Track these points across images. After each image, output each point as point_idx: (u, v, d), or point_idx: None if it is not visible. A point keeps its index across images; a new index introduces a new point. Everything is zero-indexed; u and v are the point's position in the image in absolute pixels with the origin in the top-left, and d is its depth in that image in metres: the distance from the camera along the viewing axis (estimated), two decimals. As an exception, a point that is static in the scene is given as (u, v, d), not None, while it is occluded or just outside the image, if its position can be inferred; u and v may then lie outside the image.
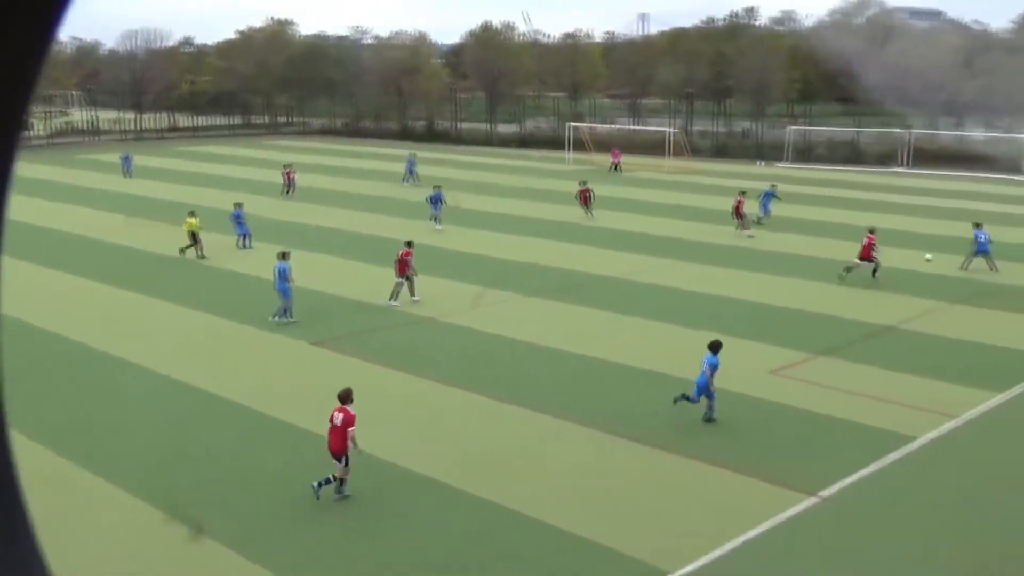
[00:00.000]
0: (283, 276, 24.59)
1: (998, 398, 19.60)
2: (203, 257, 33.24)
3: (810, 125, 72.03)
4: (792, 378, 20.83)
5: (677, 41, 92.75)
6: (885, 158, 65.31)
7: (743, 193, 38.69)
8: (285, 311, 24.80)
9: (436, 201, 39.16)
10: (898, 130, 66.37)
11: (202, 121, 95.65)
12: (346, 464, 14.66)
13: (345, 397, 14.88)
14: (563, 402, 19.20)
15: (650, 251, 34.83)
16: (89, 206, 45.52)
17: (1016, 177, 57.54)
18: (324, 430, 15.35)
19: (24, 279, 29.47)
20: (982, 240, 31.01)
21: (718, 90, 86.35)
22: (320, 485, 14.61)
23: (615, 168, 60.83)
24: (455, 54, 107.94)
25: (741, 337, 23.83)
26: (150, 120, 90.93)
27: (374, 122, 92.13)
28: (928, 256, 32.11)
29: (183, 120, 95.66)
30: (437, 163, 65.00)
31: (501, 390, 19.93)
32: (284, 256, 25.09)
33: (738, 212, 37.52)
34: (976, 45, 74.31)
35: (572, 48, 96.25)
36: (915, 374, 21.03)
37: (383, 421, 18.21)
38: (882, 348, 23.14)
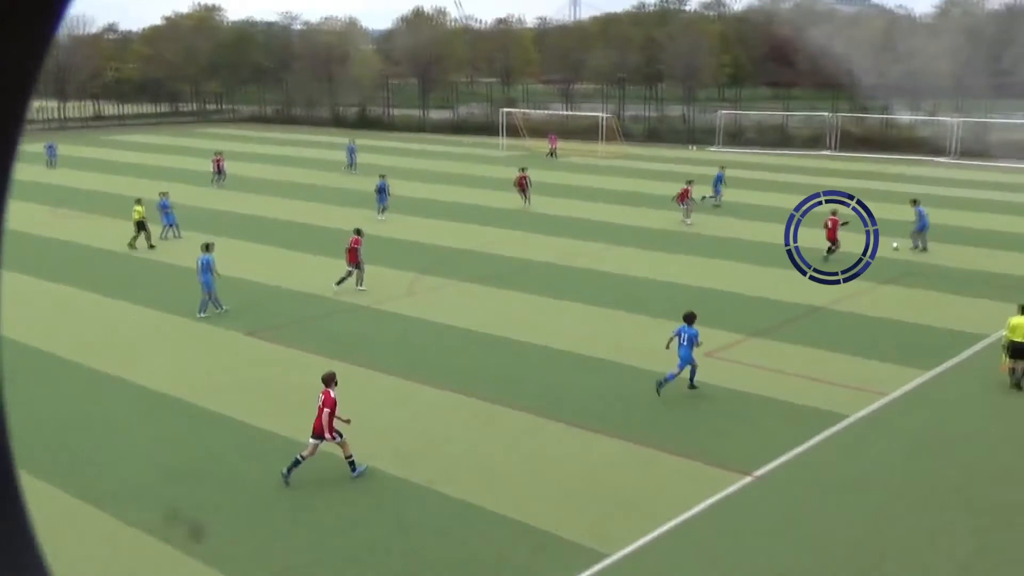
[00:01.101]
0: (207, 268, 24.11)
1: (926, 375, 20.02)
2: (152, 246, 32.74)
3: (740, 109, 72.78)
4: (727, 360, 21.05)
5: (608, 26, 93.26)
6: (813, 141, 66.33)
7: (690, 182, 37.78)
8: (208, 303, 24.27)
9: (382, 191, 38.47)
10: (825, 114, 67.43)
11: (128, 109, 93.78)
12: (342, 441, 14.90)
13: (328, 380, 15.01)
14: (497, 387, 19.19)
15: (586, 236, 34.95)
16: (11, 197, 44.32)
17: (940, 159, 58.81)
18: (258, 420, 15.14)
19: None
20: (924, 216, 31.73)
21: (649, 75, 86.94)
22: (289, 471, 14.69)
23: (552, 154, 60.93)
24: (386, 40, 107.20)
25: (676, 320, 23.99)
26: (74, 108, 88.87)
27: (305, 109, 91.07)
28: (895, 244, 31.48)
29: (109, 108, 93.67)
30: (371, 150, 64.52)
31: (435, 376, 19.85)
32: (208, 248, 24.56)
33: (683, 198, 36.78)
34: (900, 29, 75.78)
35: (504, 34, 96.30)
36: (846, 353, 21.39)
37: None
38: (814, 328, 23.50)
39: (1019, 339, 18.80)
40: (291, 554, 12.84)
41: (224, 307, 24.39)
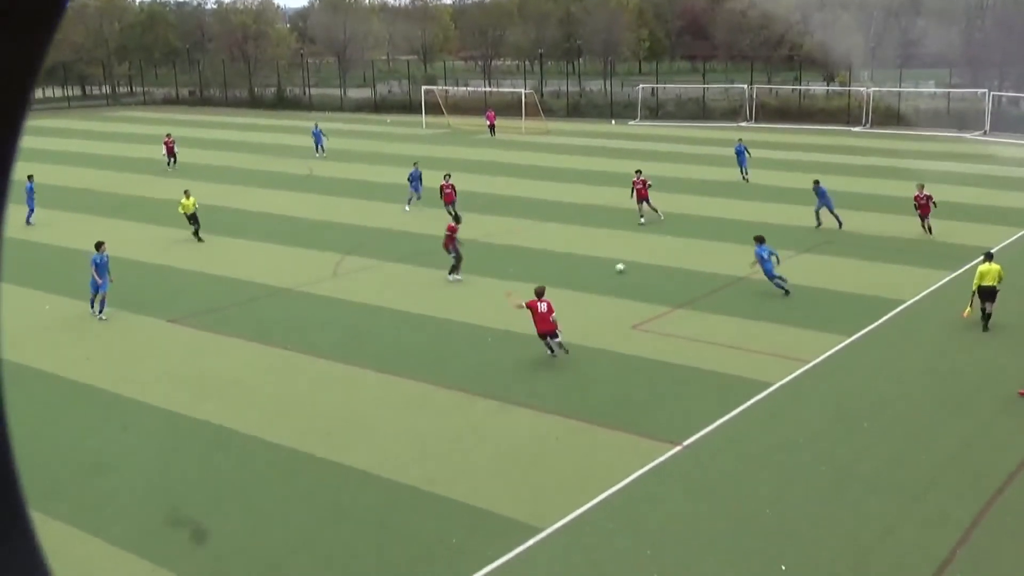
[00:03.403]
0: (101, 269, 22.63)
1: (846, 341, 20.48)
2: (200, 240, 30.76)
3: (659, 83, 73.39)
4: (652, 332, 21.30)
5: (526, 2, 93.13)
6: (731, 114, 67.17)
7: (639, 171, 33.49)
8: (97, 302, 22.92)
9: (416, 179, 35.87)
10: (743, 86, 68.31)
11: (36, 94, 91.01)
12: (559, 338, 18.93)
13: (542, 291, 19.11)
14: (425, 366, 19.16)
15: (509, 212, 34.96)
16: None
17: (854, 129, 60.04)
18: (193, 410, 14.86)
19: None
20: (825, 194, 31.37)
21: (568, 50, 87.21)
22: (555, 351, 19.00)
23: (492, 131, 59.96)
24: (302, 18, 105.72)
25: (603, 294, 24.23)
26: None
27: (221, 90, 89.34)
28: (620, 266, 26.38)
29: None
30: (290, 131, 63.70)
31: (363, 357, 19.75)
32: (99, 247, 22.89)
33: (643, 195, 32.62)
34: (813, 1, 76.97)
35: (422, 11, 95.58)
36: (769, 322, 21.78)
37: (243, 395, 17.84)
38: (737, 298, 23.87)
39: (988, 283, 20.40)
40: (222, 543, 12.70)
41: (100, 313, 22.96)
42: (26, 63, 1.22)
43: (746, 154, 40.59)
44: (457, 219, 30.56)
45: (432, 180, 34.99)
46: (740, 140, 41.94)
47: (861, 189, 38.38)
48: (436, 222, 33.15)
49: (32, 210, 33.96)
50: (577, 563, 12.15)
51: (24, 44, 1.20)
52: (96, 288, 22.72)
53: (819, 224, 31.31)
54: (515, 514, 13.21)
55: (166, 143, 48.10)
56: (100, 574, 12.13)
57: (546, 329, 18.85)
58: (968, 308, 20.83)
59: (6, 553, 1.28)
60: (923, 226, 29.75)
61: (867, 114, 61.11)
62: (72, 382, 18.71)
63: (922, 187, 29.74)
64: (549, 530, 12.76)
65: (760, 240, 24.04)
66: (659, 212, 32.65)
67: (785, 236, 30.11)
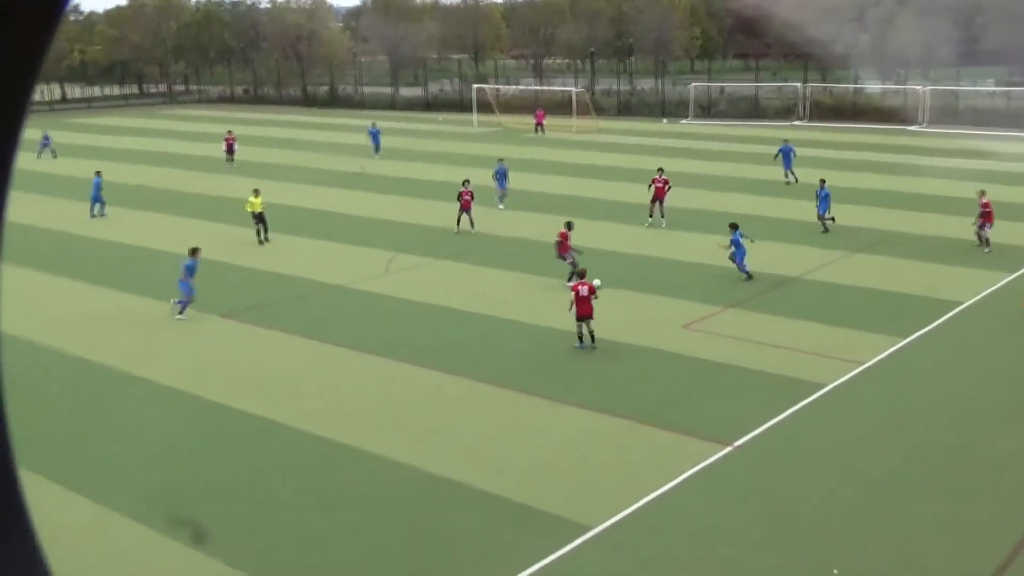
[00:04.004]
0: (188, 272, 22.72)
1: (902, 343, 20.20)
2: (266, 240, 30.38)
3: (711, 81, 72.83)
4: (703, 331, 21.16)
5: (577, 0, 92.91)
6: (784, 112, 66.48)
7: (661, 170, 32.97)
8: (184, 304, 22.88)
9: (502, 176, 35.84)
10: (797, 84, 67.58)
11: (95, 92, 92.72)
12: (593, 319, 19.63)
13: (583, 273, 20.26)
14: (476, 364, 19.21)
15: (560, 211, 34.87)
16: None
17: (910, 128, 59.15)
18: (244, 403, 15.07)
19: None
20: (821, 196, 30.44)
21: (620, 49, 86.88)
22: (582, 341, 19.72)
23: (539, 129, 59.94)
24: (354, 17, 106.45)
25: (653, 293, 24.14)
26: (39, 92, 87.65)
27: (275, 89, 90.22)
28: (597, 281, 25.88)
29: (75, 91, 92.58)
30: (342, 129, 64.22)
31: (410, 354, 19.83)
32: (194, 252, 23.00)
33: (660, 194, 32.21)
34: (868, -1, 75.93)
35: (473, 9, 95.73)
36: (822, 323, 21.55)
37: (291, 389, 18.02)
38: (789, 298, 23.65)
39: None
40: (268, 533, 12.84)
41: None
42: (26, 63, 1.22)
43: (792, 155, 39.60)
44: (470, 222, 31.24)
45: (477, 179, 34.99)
46: (786, 141, 40.91)
47: (917, 189, 37.81)
48: (491, 221, 33.23)
49: (96, 202, 35.04)
50: (625, 562, 12.12)
51: (24, 44, 1.20)
52: (188, 290, 22.66)
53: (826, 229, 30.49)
54: (564, 512, 13.21)
55: (227, 140, 48.71)
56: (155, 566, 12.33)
57: (585, 312, 19.59)
58: None
59: (6, 553, 1.28)
60: (979, 235, 27.88)
61: (923, 113, 60.16)
62: (123, 374, 19.00)
63: (983, 194, 28.07)
64: (598, 529, 12.74)
65: (735, 227, 25.32)
66: (663, 218, 31.85)
67: (837, 236, 29.78)
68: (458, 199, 31.85)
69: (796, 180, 38.90)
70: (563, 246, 24.93)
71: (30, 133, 63.30)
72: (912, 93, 63.14)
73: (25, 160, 51.32)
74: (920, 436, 15.74)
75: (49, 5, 1.21)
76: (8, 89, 1.21)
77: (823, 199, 30.38)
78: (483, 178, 39.56)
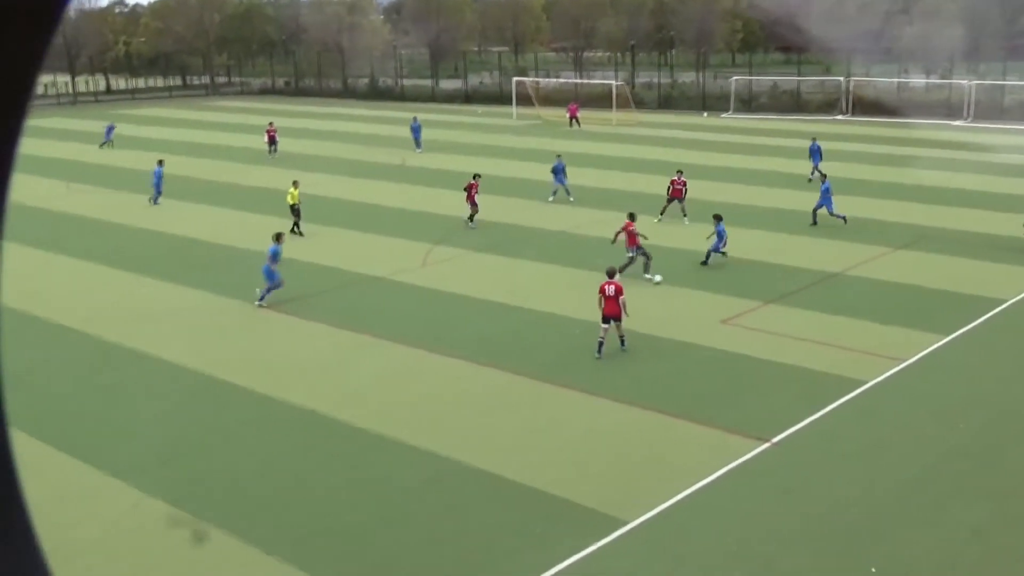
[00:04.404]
0: (273, 258, 22.96)
1: (943, 340, 19.98)
2: (298, 233, 29.94)
3: (753, 75, 72.24)
4: (743, 326, 21.05)
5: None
6: (827, 106, 65.83)
7: (680, 172, 32.47)
8: (268, 291, 23.09)
9: (560, 171, 35.32)
10: (839, 78, 66.87)
11: (139, 83, 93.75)
12: (621, 322, 18.71)
13: (612, 273, 19.16)
14: (510, 355, 19.23)
15: (598, 204, 34.83)
16: (26, 172, 44.47)
17: (954, 122, 58.36)
18: (286, 394, 15.20)
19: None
20: (824, 191, 30.16)
21: (661, 41, 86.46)
22: (622, 343, 19.02)
23: (573, 123, 60.04)
24: (395, 10, 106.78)
25: (692, 288, 24.04)
26: (85, 83, 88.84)
27: (316, 81, 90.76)
28: (657, 278, 24.64)
29: (119, 83, 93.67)
30: (382, 121, 64.47)
31: (447, 345, 19.90)
32: (278, 238, 23.30)
33: (678, 194, 31.80)
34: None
35: (514, 2, 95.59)
36: (862, 319, 21.36)
37: (328, 379, 18.15)
38: (829, 294, 23.46)
39: None
40: (305, 519, 12.95)
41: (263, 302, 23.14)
42: (26, 63, 1.22)
43: (820, 153, 38.50)
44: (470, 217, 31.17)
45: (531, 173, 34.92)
46: (815, 138, 39.75)
47: (961, 184, 37.33)
48: (528, 213, 33.22)
49: (159, 193, 35.97)
50: (660, 557, 12.10)
51: (24, 44, 1.20)
52: (272, 277, 22.83)
53: (815, 222, 30.30)
54: (599, 506, 13.21)
55: (269, 132, 49.05)
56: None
57: (610, 312, 18.70)
58: None
59: (6, 553, 1.28)
60: None
61: (968, 108, 59.32)
62: (169, 363, 19.23)
63: None
64: (633, 523, 12.72)
65: (719, 218, 25.86)
66: (686, 216, 31.43)
67: (879, 232, 29.48)
68: (467, 192, 31.47)
69: (823, 176, 38.14)
70: (632, 238, 24.63)
71: (83, 124, 64.23)
72: (957, 87, 62.29)
73: (79, 151, 52.07)
74: (960, 436, 15.57)
75: (49, 5, 1.21)
76: (8, 88, 1.21)
77: (824, 193, 30.09)
78: (526, 171, 39.62)
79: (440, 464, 14.59)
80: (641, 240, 24.69)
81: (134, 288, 25.10)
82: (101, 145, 52.51)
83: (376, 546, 12.42)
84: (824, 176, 30.48)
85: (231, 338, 21.05)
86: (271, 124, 50.26)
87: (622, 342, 19.09)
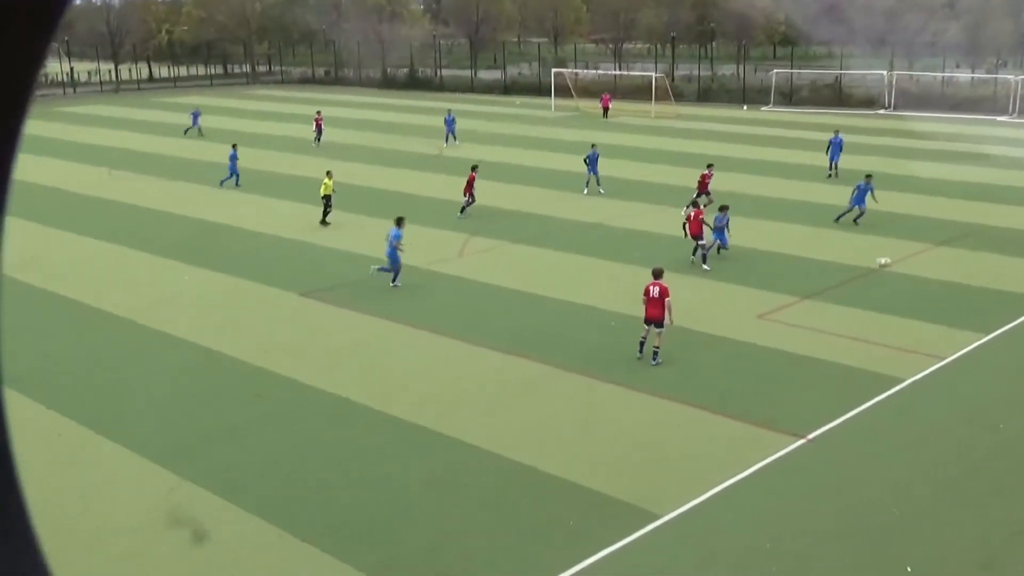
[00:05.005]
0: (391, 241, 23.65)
1: (983, 339, 19.74)
2: (325, 223, 30.46)
3: (794, 68, 71.58)
4: (779, 322, 20.91)
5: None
6: (868, 101, 65.10)
7: (711, 166, 33.18)
8: (390, 273, 23.77)
9: (594, 161, 35.35)
10: (882, 72, 66.11)
11: (181, 71, 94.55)
12: (662, 330, 17.87)
13: (659, 273, 18.12)
14: (545, 347, 19.23)
15: (634, 196, 34.73)
16: (69, 159, 45.01)
17: (999, 118, 57.52)
18: (320, 382, 15.32)
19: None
20: (861, 190, 29.53)
21: (701, 33, 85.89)
22: (654, 356, 17.98)
23: (605, 114, 60.15)
24: (435, 0, 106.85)
25: (728, 282, 23.91)
26: (128, 71, 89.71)
27: (355, 70, 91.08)
28: (883, 260, 25.70)
29: (161, 71, 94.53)
30: (421, 111, 64.60)
31: (483, 336, 19.94)
32: (398, 223, 23.91)
33: (704, 187, 32.13)
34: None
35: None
36: (901, 316, 21.15)
37: (366, 369, 18.25)
38: (868, 291, 23.24)
39: None
40: (339, 509, 13.05)
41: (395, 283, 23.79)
42: (26, 63, 1.21)
43: (841, 149, 37.90)
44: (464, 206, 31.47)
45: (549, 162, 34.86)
46: (837, 131, 39.20)
47: (1005, 181, 36.80)
48: (565, 205, 33.17)
49: (231, 175, 37.35)
50: (693, 552, 12.08)
51: (25, 44, 1.19)
52: (391, 260, 23.57)
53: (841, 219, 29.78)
54: (632, 499, 13.20)
55: (316, 120, 49.36)
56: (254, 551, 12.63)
57: (651, 316, 17.86)
58: None
59: (6, 553, 1.27)
60: None
61: (1015, 103, 58.44)
62: (207, 350, 19.43)
63: None
64: (666, 517, 12.71)
65: (725, 209, 26.11)
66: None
67: (919, 228, 29.15)
68: (468, 184, 31.79)
69: (836, 175, 37.51)
70: (695, 225, 24.91)
71: (126, 112, 64.87)
72: (1003, 83, 61.37)
73: (122, 139, 52.57)
74: (999, 436, 15.38)
75: (50, 5, 1.20)
76: (9, 87, 1.21)
77: (860, 191, 29.47)
78: (562, 162, 39.56)
79: (475, 455, 14.63)
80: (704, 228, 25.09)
81: (172, 274, 25.34)
82: (186, 132, 52.80)
83: (411, 536, 12.47)
84: (868, 177, 29.92)
85: (266, 325, 21.20)
86: (319, 112, 50.54)
87: (655, 355, 18.05)
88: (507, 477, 13.97)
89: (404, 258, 24.17)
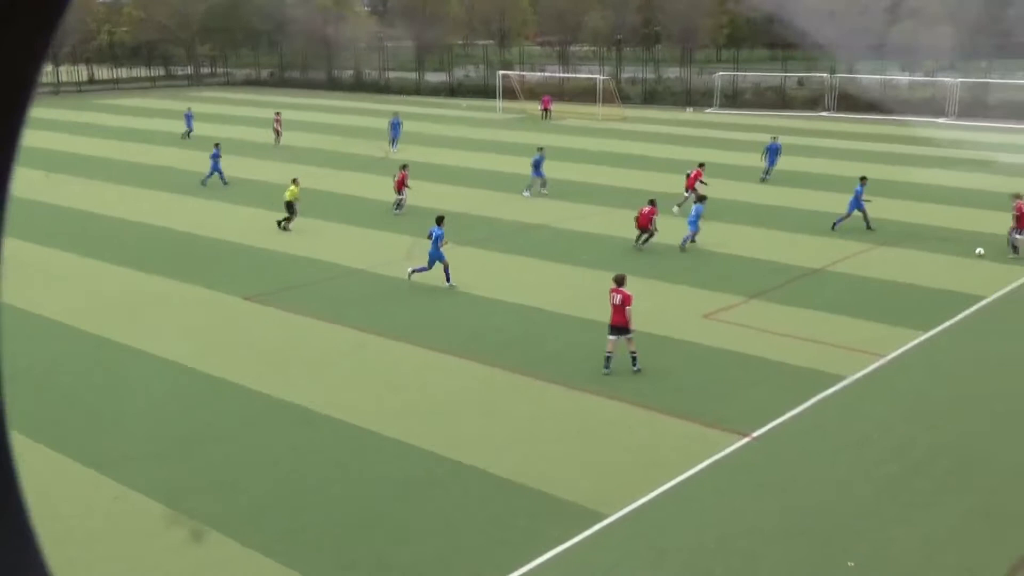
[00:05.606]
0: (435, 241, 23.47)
1: (923, 336, 20.11)
2: (288, 229, 29.86)
3: (738, 71, 72.39)
4: (725, 321, 21.13)
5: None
6: (812, 103, 66.03)
7: (702, 165, 33.87)
8: (427, 272, 23.71)
9: (538, 164, 35.47)
10: (824, 75, 67.06)
11: (122, 73, 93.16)
12: (631, 336, 17.60)
13: (621, 280, 17.66)
14: (493, 350, 19.25)
15: (581, 199, 34.87)
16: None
17: (938, 120, 58.61)
18: (261, 385, 15.16)
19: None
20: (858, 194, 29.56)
21: (647, 36, 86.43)
22: (633, 363, 17.68)
23: (546, 115, 60.91)
24: (381, 2, 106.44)
25: (675, 283, 24.10)
26: (67, 73, 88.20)
27: (301, 72, 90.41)
28: (979, 250, 26.71)
29: (102, 72, 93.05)
30: (367, 114, 64.31)
31: (432, 340, 19.90)
32: (439, 221, 23.74)
33: (691, 185, 32.25)
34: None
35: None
36: (844, 315, 21.47)
37: (312, 372, 18.12)
38: (812, 290, 23.57)
39: None
40: (290, 517, 12.94)
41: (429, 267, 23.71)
42: (27, 64, 1.22)
43: (778, 154, 38.00)
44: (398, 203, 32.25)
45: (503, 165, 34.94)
46: (775, 137, 39.37)
47: (944, 182, 37.52)
48: (510, 207, 33.22)
49: (213, 172, 37.34)
50: (641, 551, 12.15)
51: (25, 44, 1.20)
52: (437, 259, 23.48)
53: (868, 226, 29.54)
54: (582, 500, 13.24)
55: (276, 121, 49.19)
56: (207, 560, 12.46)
57: (615, 323, 17.58)
58: None
59: (6, 553, 1.28)
60: (1011, 240, 26.49)
61: (953, 105, 59.60)
62: (151, 355, 19.16)
63: (1018, 197, 26.51)
64: (614, 517, 12.77)
65: (703, 199, 27.57)
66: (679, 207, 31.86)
67: (862, 229, 29.58)
68: (401, 183, 32.48)
69: (768, 177, 37.79)
70: (644, 218, 26.80)
71: (65, 114, 63.79)
72: (941, 85, 62.57)
73: (60, 141, 51.71)
74: (940, 432, 15.68)
75: (50, 4, 1.21)
76: (10, 86, 1.21)
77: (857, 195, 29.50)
78: (509, 164, 39.61)
79: (429, 461, 14.57)
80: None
81: (123, 281, 24.97)
82: (187, 135, 51.72)
83: (365, 543, 12.41)
84: (863, 179, 29.98)
85: (220, 333, 20.97)
86: (277, 114, 50.38)
87: (633, 360, 17.77)
88: (458, 480, 13.95)
89: (351, 261, 24.12)
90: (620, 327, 17.55)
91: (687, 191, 31.92)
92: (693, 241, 27.19)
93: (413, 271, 23.96)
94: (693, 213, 27.12)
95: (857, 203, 29.56)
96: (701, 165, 33.65)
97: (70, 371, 18.52)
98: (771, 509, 13.12)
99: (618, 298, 17.48)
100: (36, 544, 1.34)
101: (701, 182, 32.18)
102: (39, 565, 1.34)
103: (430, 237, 23.55)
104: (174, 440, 15.34)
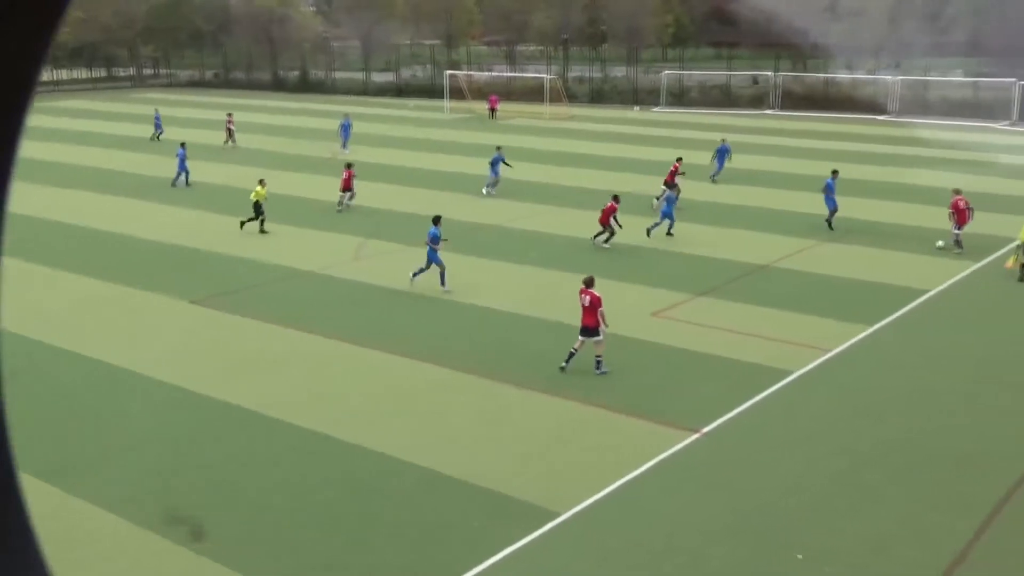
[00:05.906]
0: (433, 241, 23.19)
1: (868, 330, 20.37)
2: (264, 232, 29.63)
3: (684, 70, 72.95)
4: (672, 319, 21.24)
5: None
6: (756, 101, 66.73)
7: (680, 159, 33.88)
8: (438, 276, 23.34)
9: (495, 164, 35.57)
10: (768, 73, 67.80)
11: (62, 75, 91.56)
12: (600, 339, 17.51)
13: (590, 282, 17.61)
14: (444, 351, 19.18)
15: (530, 198, 34.90)
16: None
17: (880, 117, 59.52)
18: (208, 388, 14.95)
19: None
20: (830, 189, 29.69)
21: (593, 36, 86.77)
22: (597, 366, 17.61)
23: (492, 115, 61.00)
24: (327, 1, 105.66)
25: (622, 281, 24.17)
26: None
27: (245, 73, 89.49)
28: (940, 243, 27.17)
29: (42, 74, 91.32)
30: (313, 114, 63.84)
31: (381, 341, 19.78)
32: (435, 221, 23.49)
33: (671, 178, 32.15)
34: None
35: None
36: (790, 310, 21.69)
37: (261, 376, 17.92)
38: (758, 286, 23.78)
39: None
40: (240, 520, 12.78)
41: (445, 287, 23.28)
42: (27, 64, 1.21)
43: (727, 156, 37.96)
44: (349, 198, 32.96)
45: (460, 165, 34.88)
46: (724, 140, 39.25)
47: (886, 178, 38.08)
48: (463, 208, 33.14)
49: (181, 172, 37.20)
50: (592, 549, 12.16)
51: (26, 43, 1.19)
52: (433, 261, 23.14)
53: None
54: (533, 499, 13.23)
55: (228, 123, 48.77)
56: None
57: (585, 324, 17.49)
58: (1011, 259, 24.02)
59: (6, 553, 1.28)
60: (954, 237, 26.67)
61: (894, 102, 60.55)
62: (95, 361, 18.82)
63: (959, 192, 26.92)
64: (565, 515, 12.78)
65: (674, 187, 29.43)
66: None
67: (807, 225, 29.93)
68: (348, 181, 33.04)
69: (716, 179, 37.86)
70: (604, 215, 27.24)
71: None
72: (882, 82, 63.54)
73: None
74: (888, 424, 15.88)
75: (50, 4, 1.20)
76: (10, 85, 1.20)
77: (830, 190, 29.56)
78: (457, 164, 39.54)
79: (376, 460, 14.48)
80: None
81: (65, 286, 24.52)
82: (156, 137, 51.19)
83: (312, 545, 12.28)
84: (835, 173, 30.20)
85: (154, 333, 20.65)
86: (229, 115, 49.95)
87: (597, 364, 17.69)
88: (409, 481, 13.87)
89: (298, 262, 23.88)
90: (590, 328, 17.54)
91: (665, 185, 31.89)
92: (670, 234, 28.14)
93: (414, 275, 23.47)
94: (665, 203, 28.34)
95: (830, 195, 29.35)
96: (679, 159, 33.74)
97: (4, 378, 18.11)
98: (718, 506, 13.19)
99: (587, 300, 17.48)
100: (36, 544, 1.34)
101: (680, 173, 32.33)
102: (40, 565, 1.33)
103: (434, 240, 23.14)
104: (113, 447, 15.08)
